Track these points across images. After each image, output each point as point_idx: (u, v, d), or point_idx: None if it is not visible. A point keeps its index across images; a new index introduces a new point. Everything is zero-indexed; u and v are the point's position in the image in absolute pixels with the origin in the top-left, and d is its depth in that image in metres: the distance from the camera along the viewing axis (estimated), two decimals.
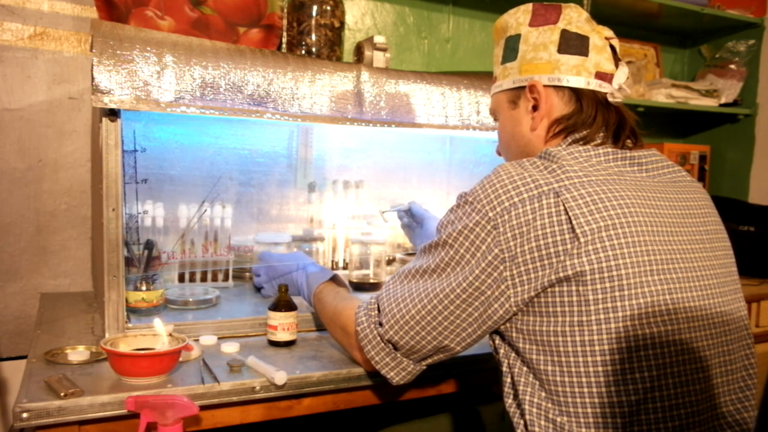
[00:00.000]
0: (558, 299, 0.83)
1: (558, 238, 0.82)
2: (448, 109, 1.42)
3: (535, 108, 0.99)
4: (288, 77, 1.24)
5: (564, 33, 0.98)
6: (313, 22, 1.61)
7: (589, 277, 0.81)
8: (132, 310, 1.26)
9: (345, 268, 1.76)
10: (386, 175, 1.91)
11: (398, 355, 0.98)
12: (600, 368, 0.81)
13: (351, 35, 2.01)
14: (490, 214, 0.85)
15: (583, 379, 0.82)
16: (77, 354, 1.10)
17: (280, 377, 1.03)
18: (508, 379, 0.92)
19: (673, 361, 0.82)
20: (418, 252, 0.99)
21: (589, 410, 0.82)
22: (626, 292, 0.81)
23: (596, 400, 0.81)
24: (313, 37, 1.61)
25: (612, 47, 1.00)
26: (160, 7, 1.65)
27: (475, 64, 2.24)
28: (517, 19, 1.02)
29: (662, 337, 0.82)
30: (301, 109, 1.25)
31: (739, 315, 0.92)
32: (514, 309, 0.86)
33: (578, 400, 0.82)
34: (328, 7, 1.62)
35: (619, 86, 0.98)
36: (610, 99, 0.98)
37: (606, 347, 0.81)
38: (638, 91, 2.42)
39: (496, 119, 1.09)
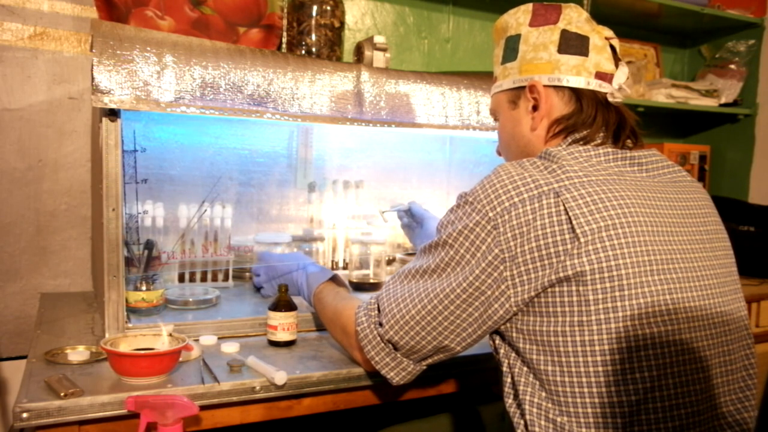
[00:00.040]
0: (558, 299, 0.83)
1: (558, 238, 0.82)
2: (448, 109, 1.42)
3: (535, 108, 0.99)
4: (288, 77, 1.24)
5: (564, 33, 0.98)
6: (313, 22, 1.61)
7: (589, 277, 0.81)
8: (132, 310, 1.26)
9: (345, 268, 1.76)
10: (386, 175, 1.91)
11: (398, 355, 0.98)
12: (600, 368, 0.81)
13: (351, 35, 2.01)
14: (491, 214, 0.85)
15: (584, 379, 0.82)
16: (77, 354, 1.10)
17: (280, 377, 1.03)
18: (509, 379, 0.92)
19: (673, 361, 0.82)
20: (418, 252, 0.99)
21: (589, 410, 0.82)
22: (626, 292, 0.81)
23: (596, 400, 0.81)
24: (313, 37, 1.61)
25: (612, 47, 1.00)
26: (160, 7, 1.65)
27: (475, 64, 2.24)
28: (517, 19, 1.02)
29: (662, 337, 0.82)
30: (301, 109, 1.25)
31: (739, 315, 0.92)
32: (515, 309, 0.86)
33: (578, 400, 0.82)
34: (328, 7, 1.62)
35: (619, 86, 0.98)
36: (610, 99, 0.98)
37: (606, 347, 0.81)
38: (638, 91, 2.42)
39: (496, 119, 1.09)
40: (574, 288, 0.81)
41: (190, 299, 1.38)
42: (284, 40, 1.77)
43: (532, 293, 0.84)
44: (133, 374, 1.00)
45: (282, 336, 1.21)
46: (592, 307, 0.81)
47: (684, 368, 0.83)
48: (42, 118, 1.64)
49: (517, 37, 1.01)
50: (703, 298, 0.86)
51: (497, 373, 0.96)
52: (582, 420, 0.82)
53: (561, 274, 0.81)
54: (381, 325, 0.97)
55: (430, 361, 0.99)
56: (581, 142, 0.94)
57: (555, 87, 0.98)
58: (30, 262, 1.65)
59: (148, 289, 1.28)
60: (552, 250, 0.82)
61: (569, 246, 0.81)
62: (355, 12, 2.03)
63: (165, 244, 1.50)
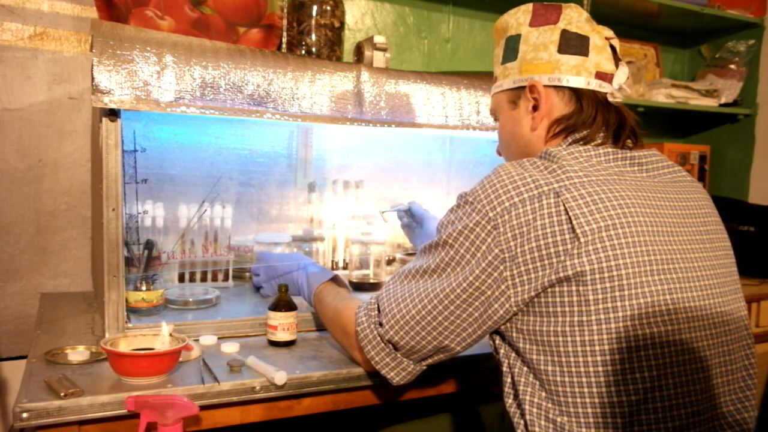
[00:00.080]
0: (558, 299, 0.83)
1: (558, 238, 0.82)
2: (448, 109, 1.42)
3: (535, 108, 0.99)
4: (288, 77, 1.24)
5: (564, 33, 0.98)
6: (313, 22, 1.61)
7: (589, 277, 0.81)
8: (132, 310, 1.26)
9: (345, 268, 1.76)
10: (386, 175, 1.91)
11: (398, 355, 0.98)
12: (600, 368, 0.81)
13: (351, 35, 2.01)
14: (491, 214, 0.85)
15: (584, 379, 0.82)
16: (77, 354, 1.10)
17: (280, 377, 1.03)
18: (509, 379, 0.92)
19: (673, 361, 0.82)
20: (418, 252, 0.99)
21: (589, 410, 0.82)
22: (626, 292, 0.81)
23: (596, 400, 0.81)
24: (313, 37, 1.61)
25: (612, 47, 1.00)
26: (160, 7, 1.65)
27: (475, 64, 2.24)
28: (518, 19, 1.02)
29: (662, 337, 0.81)
30: (301, 109, 1.25)
31: (740, 315, 0.92)
32: (515, 309, 0.86)
33: (578, 400, 0.82)
34: (328, 7, 1.62)
35: (620, 86, 0.98)
36: (610, 99, 0.98)
37: (606, 347, 0.81)
38: (638, 91, 2.42)
39: (496, 119, 1.09)
40: (574, 288, 0.81)
41: (190, 299, 1.38)
42: (284, 40, 1.77)
43: (532, 293, 0.84)
44: (133, 374, 1.00)
45: (282, 336, 1.21)
46: (592, 307, 0.81)
47: (684, 368, 0.83)
48: (42, 118, 1.64)
49: (518, 37, 1.01)
50: (703, 298, 0.86)
51: (497, 373, 0.96)
52: (582, 420, 0.82)
53: (561, 274, 0.81)
54: (381, 325, 0.97)
55: (430, 361, 0.99)
56: (581, 142, 0.94)
57: (555, 87, 0.98)
58: (30, 262, 1.65)
59: (148, 289, 1.28)
60: (552, 250, 0.82)
61: (569, 246, 0.81)
62: (355, 12, 2.03)
63: (165, 244, 1.50)
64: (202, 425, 1.03)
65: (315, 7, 1.61)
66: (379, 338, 0.98)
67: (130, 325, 1.19)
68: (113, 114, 1.11)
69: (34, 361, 1.08)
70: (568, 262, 0.81)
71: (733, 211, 2.32)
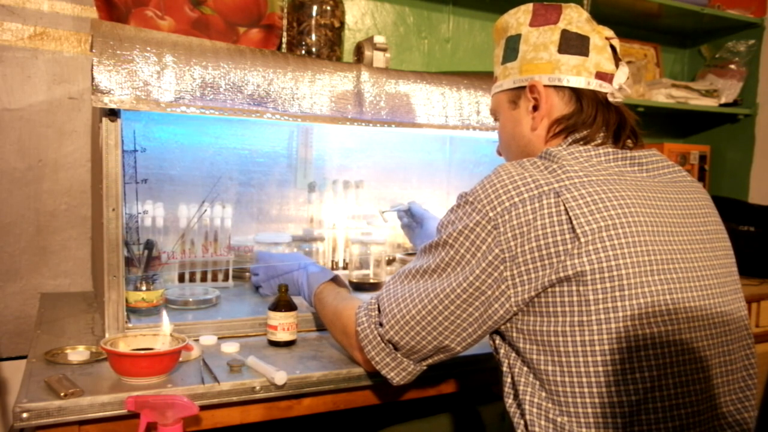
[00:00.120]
0: (558, 299, 0.83)
1: (558, 238, 0.82)
2: (448, 109, 1.42)
3: (535, 108, 0.99)
4: (288, 77, 1.24)
5: (564, 33, 0.98)
6: (313, 22, 1.61)
7: (589, 277, 0.81)
8: (132, 310, 1.26)
9: (345, 268, 1.76)
10: (386, 175, 1.91)
11: (399, 355, 0.98)
12: (600, 368, 0.81)
13: (351, 35, 2.01)
14: (491, 214, 0.85)
15: (584, 379, 0.82)
16: (77, 354, 1.10)
17: (280, 377, 1.03)
18: (509, 379, 0.92)
19: (673, 361, 0.82)
20: (418, 252, 0.99)
21: (589, 410, 0.82)
22: (626, 292, 0.81)
23: (596, 400, 0.81)
24: (313, 37, 1.61)
25: (612, 47, 1.00)
26: (160, 7, 1.65)
27: (475, 64, 2.24)
28: (518, 19, 1.02)
29: (662, 337, 0.81)
30: (301, 109, 1.25)
31: (740, 315, 0.92)
32: (515, 309, 0.86)
33: (578, 400, 0.82)
34: (328, 7, 1.62)
35: (620, 86, 0.98)
36: (610, 99, 0.98)
37: (606, 347, 0.81)
38: (638, 91, 2.42)
39: (496, 119, 1.09)
40: (574, 288, 0.81)
41: (190, 299, 1.38)
42: (284, 40, 1.77)
43: (533, 293, 0.84)
44: (133, 374, 1.00)
45: (282, 336, 1.21)
46: (593, 307, 0.81)
47: (684, 368, 0.83)
48: (42, 118, 1.64)
49: (518, 37, 1.01)
50: (703, 298, 0.86)
51: (497, 373, 0.96)
52: (582, 420, 0.82)
53: (561, 274, 0.81)
54: (381, 325, 0.97)
55: (430, 361, 0.99)
56: (581, 142, 0.94)
57: (555, 87, 0.98)
58: (30, 262, 1.65)
59: (148, 289, 1.28)
60: (552, 250, 0.82)
61: (569, 246, 0.81)
62: (355, 12, 2.03)
63: (165, 244, 1.50)
64: (202, 425, 1.03)
65: (315, 7, 1.61)
66: (379, 338, 0.98)
67: (130, 325, 1.19)
68: (113, 114, 1.11)
69: (34, 361, 1.08)
70: (568, 262, 0.81)
71: (733, 211, 2.32)
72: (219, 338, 1.23)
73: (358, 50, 1.62)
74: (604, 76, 0.98)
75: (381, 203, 1.85)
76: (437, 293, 0.90)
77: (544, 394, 0.86)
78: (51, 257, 1.67)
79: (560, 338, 0.83)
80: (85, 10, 1.65)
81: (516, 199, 0.84)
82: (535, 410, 0.86)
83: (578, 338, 0.82)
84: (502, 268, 0.85)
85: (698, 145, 2.59)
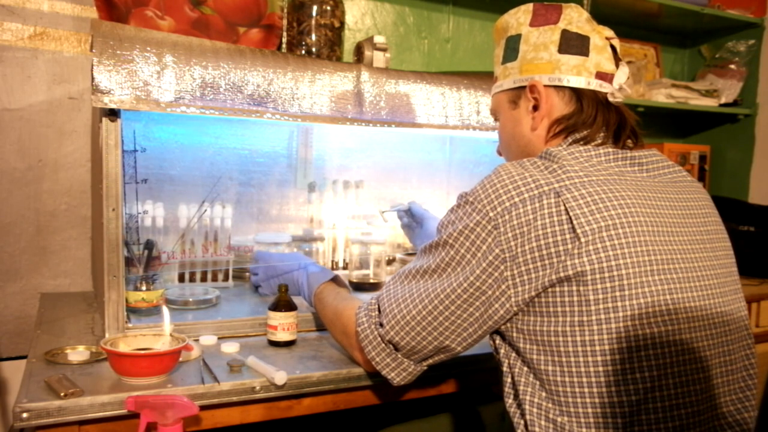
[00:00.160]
0: (558, 299, 0.83)
1: (559, 238, 0.82)
2: (448, 109, 1.42)
3: (535, 108, 0.99)
4: (288, 77, 1.24)
5: (564, 33, 0.98)
6: (313, 22, 1.61)
7: (589, 277, 0.81)
8: (132, 310, 1.26)
9: (345, 268, 1.76)
10: (386, 175, 1.91)
11: (399, 355, 0.98)
12: (600, 368, 0.81)
13: (351, 35, 2.01)
14: (491, 214, 0.85)
15: (584, 379, 0.82)
16: (77, 354, 1.10)
17: (280, 377, 1.03)
18: (509, 379, 0.92)
19: (673, 361, 0.82)
20: (418, 252, 0.99)
21: (589, 410, 0.82)
22: (627, 292, 0.81)
23: (597, 400, 0.81)
24: (313, 37, 1.61)
25: (612, 47, 1.00)
26: (160, 7, 1.65)
27: (475, 64, 2.24)
28: (518, 19, 1.02)
29: (663, 337, 0.81)
30: (301, 109, 1.25)
31: (740, 315, 0.92)
32: (515, 309, 0.86)
33: (579, 400, 0.82)
34: (328, 7, 1.62)
35: (620, 86, 0.98)
36: (610, 99, 0.98)
37: (606, 347, 0.81)
38: (638, 91, 2.42)
39: (496, 119, 1.09)
40: (574, 288, 0.81)
41: (190, 299, 1.38)
42: (284, 40, 1.77)
43: (533, 293, 0.84)
44: (133, 374, 1.00)
45: (282, 336, 1.21)
46: (593, 307, 0.81)
47: (684, 368, 0.83)
48: (42, 118, 1.64)
49: (518, 37, 1.01)
50: (704, 298, 0.86)
51: (497, 373, 0.96)
52: (582, 420, 0.82)
53: (561, 274, 0.81)
54: (381, 325, 0.97)
55: (430, 361, 0.99)
56: (582, 142, 0.94)
57: (555, 87, 0.98)
58: (30, 262, 1.65)
59: (148, 289, 1.28)
60: (552, 249, 0.82)
61: (570, 246, 0.81)
62: (355, 12, 2.03)
63: (165, 244, 1.50)
64: (202, 425, 1.03)
65: (315, 7, 1.61)
66: (379, 339, 0.98)
67: (130, 325, 1.19)
68: (113, 114, 1.11)
69: (34, 361, 1.08)
70: (568, 262, 0.81)
71: (733, 211, 2.32)
72: (219, 338, 1.23)
73: (358, 50, 1.62)
74: (605, 76, 0.98)
75: (381, 203, 1.85)
76: (438, 293, 0.90)
77: (544, 394, 0.86)
78: (51, 257, 1.67)
79: (560, 338, 0.83)
80: (85, 10, 1.65)
81: (516, 199, 0.84)
82: (535, 410, 0.86)
83: (578, 338, 0.82)
84: (502, 268, 0.85)
85: (698, 145, 2.59)
